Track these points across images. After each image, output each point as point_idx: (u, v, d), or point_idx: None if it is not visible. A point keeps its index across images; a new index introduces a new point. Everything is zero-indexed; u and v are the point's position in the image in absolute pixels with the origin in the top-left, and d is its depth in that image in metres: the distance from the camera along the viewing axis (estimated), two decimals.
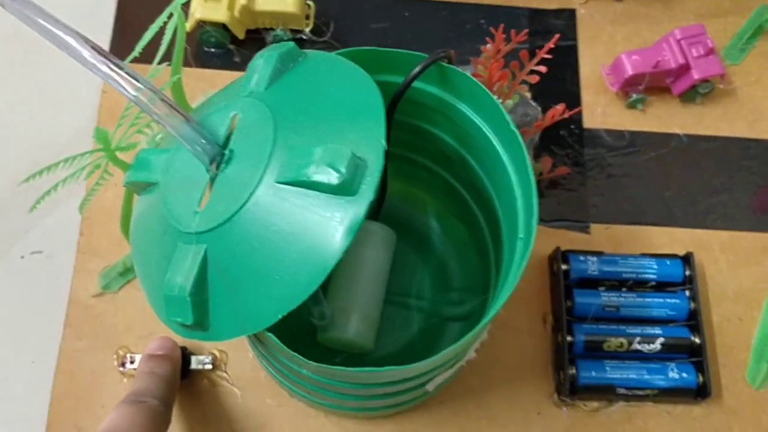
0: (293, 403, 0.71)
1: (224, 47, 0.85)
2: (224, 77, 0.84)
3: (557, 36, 0.69)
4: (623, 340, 0.71)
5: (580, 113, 0.85)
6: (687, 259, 0.75)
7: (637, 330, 0.72)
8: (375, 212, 0.71)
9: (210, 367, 0.71)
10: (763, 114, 0.87)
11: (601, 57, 0.88)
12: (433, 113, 0.61)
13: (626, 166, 0.83)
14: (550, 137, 0.83)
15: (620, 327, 0.72)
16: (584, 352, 0.71)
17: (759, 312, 0.77)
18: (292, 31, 0.86)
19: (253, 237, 0.44)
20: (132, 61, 0.57)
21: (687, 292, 0.74)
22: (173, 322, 0.46)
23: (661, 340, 0.72)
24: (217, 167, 0.46)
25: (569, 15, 0.91)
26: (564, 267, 0.74)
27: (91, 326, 0.73)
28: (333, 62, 0.52)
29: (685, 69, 0.83)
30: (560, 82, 0.87)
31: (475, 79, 0.55)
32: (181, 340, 0.70)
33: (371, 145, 0.44)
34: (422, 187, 0.75)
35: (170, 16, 0.59)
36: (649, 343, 0.71)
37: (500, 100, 0.67)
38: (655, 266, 0.74)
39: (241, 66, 0.84)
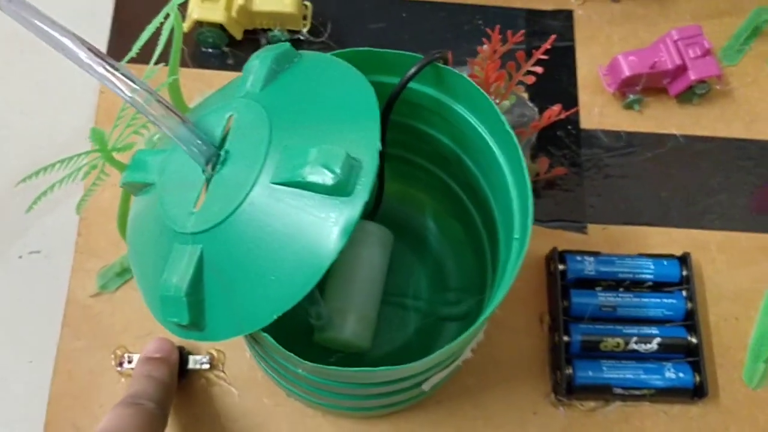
0: (290, 403, 0.71)
1: (222, 47, 0.85)
2: (222, 77, 0.84)
3: (553, 37, 0.70)
4: (620, 340, 0.71)
5: (577, 114, 0.85)
6: (684, 260, 0.75)
7: (634, 330, 0.72)
8: (372, 213, 0.71)
9: (207, 366, 0.71)
10: (759, 115, 0.87)
11: (599, 58, 0.88)
12: (429, 114, 0.61)
13: (623, 167, 0.83)
14: (547, 138, 0.83)
15: (617, 327, 0.72)
16: (581, 352, 0.72)
17: (756, 312, 0.77)
18: (290, 31, 0.86)
19: (248, 237, 0.44)
20: (129, 62, 0.57)
21: (684, 292, 0.74)
22: (169, 323, 0.47)
23: (657, 340, 0.72)
24: (213, 168, 0.46)
25: (566, 16, 0.91)
26: (561, 267, 0.74)
27: (89, 326, 0.73)
28: (328, 63, 0.52)
29: (682, 70, 0.83)
30: (557, 82, 0.87)
31: (471, 80, 0.55)
32: (178, 340, 0.70)
33: (366, 146, 0.45)
34: (419, 188, 0.75)
35: (167, 16, 0.59)
36: (645, 343, 0.72)
37: (497, 101, 0.68)
38: (652, 266, 0.75)
39: (238, 66, 0.84)
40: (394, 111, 0.58)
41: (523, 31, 0.68)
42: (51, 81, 0.85)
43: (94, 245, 0.76)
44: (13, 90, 0.85)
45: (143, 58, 0.58)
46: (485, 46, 0.66)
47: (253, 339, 0.57)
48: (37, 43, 0.43)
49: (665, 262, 0.75)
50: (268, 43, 0.85)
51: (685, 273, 0.75)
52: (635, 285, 0.75)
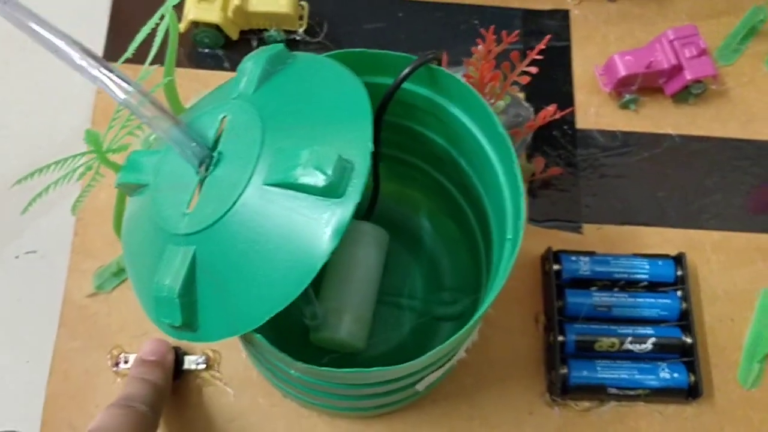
0: (286, 403, 0.71)
1: (218, 48, 0.86)
2: (218, 78, 0.84)
3: (548, 37, 0.70)
4: (615, 340, 0.72)
5: (573, 113, 0.85)
6: (679, 260, 0.76)
7: (629, 330, 0.72)
8: (368, 213, 0.71)
9: (203, 367, 0.71)
10: (755, 115, 0.87)
11: (595, 57, 0.88)
12: (423, 114, 0.61)
13: (619, 167, 0.83)
14: (542, 138, 0.83)
15: (612, 327, 0.72)
16: (576, 352, 0.72)
17: (751, 312, 0.77)
18: (286, 31, 0.86)
19: (241, 239, 0.44)
20: (125, 62, 0.57)
21: (679, 293, 0.74)
22: (163, 323, 0.47)
23: (652, 340, 0.72)
24: (206, 169, 0.47)
25: (563, 16, 0.91)
26: (556, 267, 0.74)
27: (85, 326, 0.73)
28: (322, 64, 0.52)
29: (677, 70, 0.83)
30: (554, 82, 0.87)
31: (464, 80, 0.55)
32: (174, 341, 0.70)
33: (358, 148, 0.45)
34: (415, 188, 0.75)
35: (162, 17, 0.59)
36: (640, 343, 0.72)
37: (492, 101, 0.68)
38: (647, 266, 0.75)
39: (234, 67, 0.84)
40: (389, 111, 0.59)
41: (517, 32, 0.68)
42: (49, 81, 0.85)
43: (91, 245, 0.76)
44: (12, 90, 0.85)
45: (140, 58, 0.59)
46: (480, 47, 0.66)
47: (246, 340, 0.57)
48: (35, 43, 0.43)
49: (660, 262, 0.75)
50: (264, 43, 0.85)
51: (680, 273, 0.75)
52: (630, 285, 0.75)
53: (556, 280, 0.74)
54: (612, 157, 0.84)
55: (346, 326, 0.65)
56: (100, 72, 0.43)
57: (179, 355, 0.71)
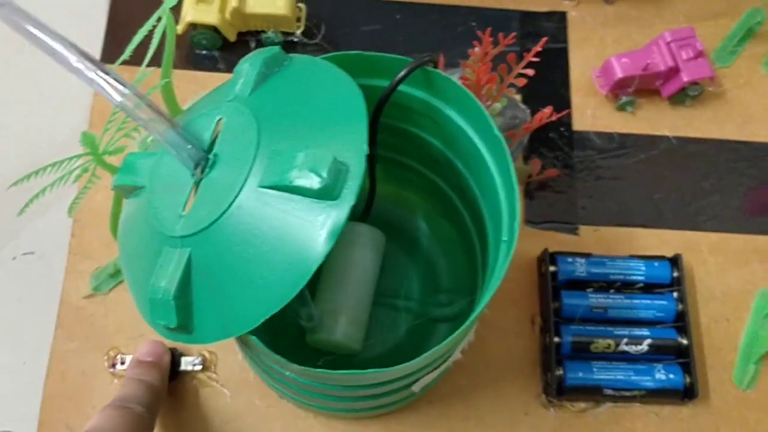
0: (282, 404, 0.71)
1: (215, 50, 0.86)
2: (215, 79, 0.84)
3: (544, 40, 0.70)
4: (611, 341, 0.72)
5: (569, 115, 0.85)
6: (675, 261, 0.76)
7: (625, 331, 0.72)
8: (364, 214, 0.71)
9: (199, 368, 0.71)
10: (752, 116, 0.87)
11: (592, 59, 0.88)
12: (420, 117, 0.62)
13: (615, 168, 0.83)
14: (539, 139, 0.84)
15: (608, 328, 0.72)
16: (572, 353, 0.72)
17: (747, 313, 0.77)
18: (284, 33, 0.86)
19: (236, 241, 0.44)
20: (124, 64, 0.57)
21: (675, 294, 0.75)
22: (158, 325, 0.47)
23: (648, 341, 0.72)
24: (202, 171, 0.47)
25: (560, 17, 0.91)
26: (552, 268, 0.74)
27: (82, 327, 0.73)
28: (318, 67, 0.52)
29: (674, 71, 0.83)
30: (550, 84, 0.87)
31: (460, 83, 0.56)
32: (170, 342, 0.70)
33: (353, 150, 0.45)
34: (412, 190, 0.75)
35: (159, 19, 0.59)
36: (636, 345, 0.72)
37: (488, 103, 0.68)
38: (643, 268, 0.75)
39: (231, 68, 0.84)
40: (386, 114, 0.59)
41: (514, 34, 0.68)
42: (47, 82, 0.85)
43: (88, 247, 0.76)
44: (9, 91, 0.85)
45: (138, 60, 0.59)
46: (477, 49, 0.67)
47: (242, 341, 0.57)
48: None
49: (656, 264, 0.75)
50: (262, 45, 0.85)
51: (676, 274, 0.75)
52: (626, 286, 0.75)
53: (552, 282, 0.74)
54: (609, 159, 0.84)
55: (342, 328, 0.65)
56: (96, 75, 0.43)
57: (176, 356, 0.71)
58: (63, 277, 0.75)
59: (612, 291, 0.75)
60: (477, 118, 0.56)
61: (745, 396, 0.74)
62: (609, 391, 0.70)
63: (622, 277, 0.75)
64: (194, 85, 0.84)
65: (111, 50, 0.85)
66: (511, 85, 0.70)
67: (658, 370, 0.71)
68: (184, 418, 0.71)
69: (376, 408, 0.67)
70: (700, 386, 0.72)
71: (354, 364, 0.68)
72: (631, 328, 0.73)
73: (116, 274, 0.74)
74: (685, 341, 0.72)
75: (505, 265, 0.50)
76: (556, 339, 0.71)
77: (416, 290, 0.74)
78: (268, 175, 0.44)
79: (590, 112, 0.86)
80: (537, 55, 0.67)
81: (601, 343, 0.72)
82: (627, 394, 0.71)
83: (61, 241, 0.76)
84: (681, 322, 0.74)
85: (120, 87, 0.43)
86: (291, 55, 0.53)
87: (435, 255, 0.75)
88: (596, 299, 0.73)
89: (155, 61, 0.59)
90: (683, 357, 0.72)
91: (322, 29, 0.88)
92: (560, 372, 0.70)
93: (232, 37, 0.85)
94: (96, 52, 0.85)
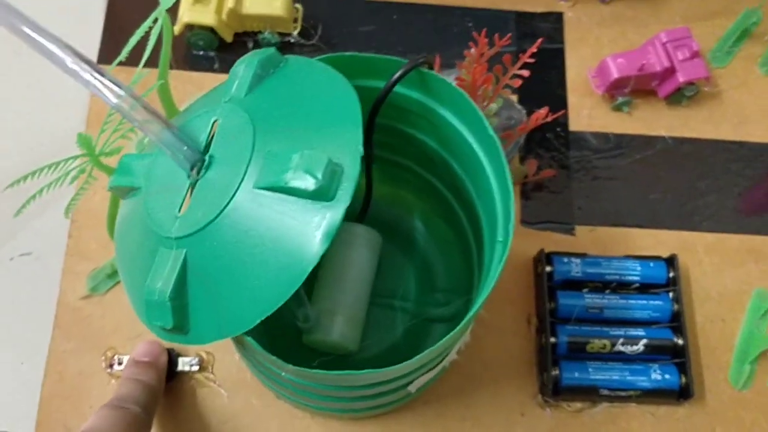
0: (279, 405, 0.71)
1: (212, 50, 0.86)
2: (213, 80, 0.84)
3: (540, 41, 0.70)
4: (606, 341, 0.72)
5: (566, 116, 0.85)
6: (671, 261, 0.76)
7: (621, 331, 0.72)
8: (361, 215, 0.71)
9: (196, 368, 0.71)
10: (748, 117, 0.87)
11: (588, 59, 0.89)
12: (416, 117, 0.62)
13: (612, 169, 0.84)
14: (535, 140, 0.84)
15: (603, 328, 0.73)
16: (568, 354, 0.72)
17: (742, 313, 0.77)
18: (280, 34, 0.86)
19: (231, 242, 0.44)
20: (121, 64, 0.57)
21: (670, 294, 0.75)
22: (154, 326, 0.47)
23: (644, 341, 0.72)
24: (198, 172, 0.47)
25: (556, 18, 0.91)
26: (548, 268, 0.74)
27: (80, 328, 0.74)
28: (313, 68, 0.52)
29: (670, 72, 0.83)
30: (547, 84, 0.87)
31: (456, 84, 0.56)
32: (167, 343, 0.70)
33: (348, 151, 0.45)
34: (408, 190, 0.75)
35: (155, 20, 0.59)
36: (632, 345, 0.72)
37: (484, 104, 0.68)
38: (639, 268, 0.75)
39: (228, 69, 0.84)
40: (382, 114, 0.59)
41: (509, 35, 0.68)
42: (45, 83, 0.85)
43: (85, 248, 0.76)
44: (6, 92, 0.85)
45: (135, 61, 0.59)
46: (472, 50, 0.67)
47: (238, 342, 0.58)
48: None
49: (652, 264, 0.76)
50: (259, 45, 0.85)
51: (671, 275, 0.75)
52: (622, 286, 0.75)
53: (548, 282, 0.74)
54: (605, 159, 0.84)
55: (339, 328, 0.65)
56: (92, 76, 0.43)
57: (173, 356, 0.71)
58: (60, 277, 0.75)
59: (608, 291, 0.75)
60: (472, 119, 0.56)
61: (740, 396, 0.74)
62: (605, 391, 0.71)
63: (617, 277, 0.75)
64: (191, 86, 0.84)
65: (108, 51, 0.86)
66: (507, 85, 0.70)
67: (654, 370, 0.71)
68: (182, 418, 0.71)
69: (373, 408, 0.67)
70: (696, 386, 0.72)
71: (351, 364, 0.68)
72: (627, 329, 0.73)
73: (113, 274, 0.75)
74: (680, 341, 0.72)
75: (500, 265, 0.50)
76: (552, 339, 0.72)
77: (413, 290, 0.74)
78: (263, 177, 0.44)
79: (586, 113, 0.86)
80: (533, 55, 0.68)
81: (596, 344, 0.72)
82: (623, 394, 0.71)
83: (59, 242, 0.77)
84: (677, 322, 0.74)
85: (115, 88, 0.43)
86: (286, 56, 0.53)
87: (431, 255, 0.76)
88: (592, 299, 0.73)
89: (152, 62, 0.59)
90: (679, 357, 0.72)
91: (319, 30, 0.88)
92: (556, 372, 0.70)
93: (228, 37, 0.85)
94: (93, 53, 0.85)
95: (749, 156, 0.86)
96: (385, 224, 0.73)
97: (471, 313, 0.50)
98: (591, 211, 0.81)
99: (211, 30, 0.83)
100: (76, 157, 0.57)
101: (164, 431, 0.71)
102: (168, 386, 0.70)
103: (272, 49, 0.52)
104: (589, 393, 0.71)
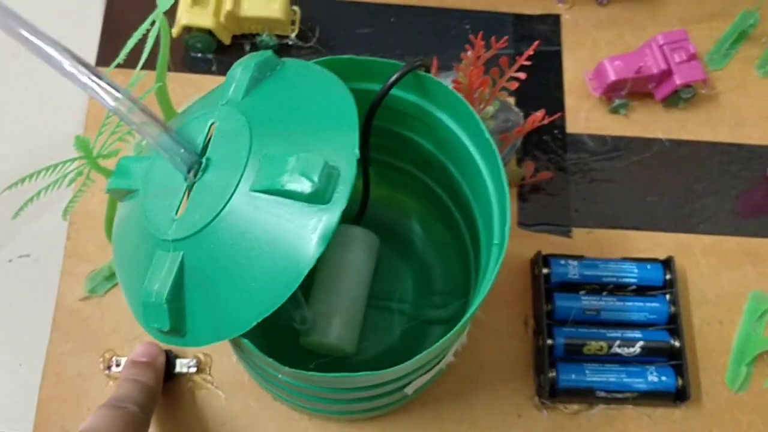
0: (276, 407, 0.71)
1: (210, 53, 0.86)
2: (211, 82, 0.84)
3: (536, 43, 0.70)
4: (603, 343, 0.72)
5: (563, 118, 0.86)
6: (667, 263, 0.76)
7: (617, 333, 0.73)
8: (358, 217, 0.71)
9: (194, 370, 0.71)
10: (745, 119, 0.88)
11: (585, 62, 0.89)
12: (413, 120, 0.62)
13: (609, 171, 0.84)
14: (533, 142, 0.84)
15: (600, 330, 0.73)
16: (564, 356, 0.72)
17: (739, 315, 0.78)
18: (278, 36, 0.86)
19: (228, 244, 0.44)
20: (119, 66, 0.57)
21: (667, 296, 0.75)
22: (151, 328, 0.47)
23: (640, 343, 0.72)
24: (195, 175, 0.47)
25: (554, 20, 0.92)
26: (545, 271, 0.75)
27: (78, 329, 0.74)
28: (310, 71, 0.52)
29: (667, 74, 0.84)
30: (544, 87, 0.88)
31: (452, 86, 0.56)
32: (164, 344, 0.70)
33: (345, 154, 0.45)
34: (406, 192, 0.75)
35: (153, 23, 0.59)
36: (628, 347, 0.72)
37: (481, 107, 0.68)
38: (636, 270, 0.75)
39: (226, 71, 0.84)
40: (379, 117, 0.59)
41: (506, 37, 0.68)
42: (44, 85, 0.86)
43: (83, 249, 0.76)
44: (5, 94, 0.86)
45: (133, 63, 0.59)
46: (469, 53, 0.67)
47: (235, 344, 0.58)
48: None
49: (649, 266, 0.76)
50: (257, 48, 0.86)
51: (668, 277, 0.75)
52: (619, 289, 0.76)
53: (545, 284, 0.74)
54: (602, 162, 0.84)
55: (336, 330, 0.65)
56: (90, 79, 0.43)
57: (171, 358, 0.71)
58: (59, 279, 0.75)
59: (605, 293, 0.75)
60: (468, 122, 0.56)
61: (737, 398, 0.74)
62: (601, 393, 0.71)
63: (614, 279, 0.75)
64: (190, 88, 0.84)
65: (106, 53, 0.86)
66: (504, 88, 0.70)
67: (651, 372, 0.71)
68: (179, 419, 0.71)
69: (370, 410, 0.67)
70: (693, 388, 0.72)
71: (348, 366, 0.69)
72: (624, 331, 0.73)
73: (111, 276, 0.75)
74: (677, 343, 0.73)
75: (496, 268, 0.51)
76: (549, 341, 0.72)
77: (410, 293, 0.74)
78: (259, 179, 0.44)
79: (583, 115, 0.86)
80: (530, 58, 0.68)
81: (593, 346, 0.72)
82: (619, 396, 0.71)
83: (57, 244, 0.77)
84: (673, 324, 0.74)
85: (113, 91, 0.44)
86: (283, 59, 0.53)
87: (429, 257, 0.76)
88: (589, 301, 0.74)
89: (150, 65, 0.59)
90: (675, 359, 0.73)
91: (317, 32, 0.88)
92: (553, 374, 0.71)
93: (226, 40, 0.85)
94: (92, 55, 0.85)
95: (746, 158, 0.86)
96: (383, 227, 0.73)
97: (467, 316, 0.50)
98: (588, 214, 0.81)
99: (209, 32, 0.83)
100: (73, 160, 0.57)
101: None
102: (165, 388, 0.71)
103: (269, 52, 0.52)
104: (586, 395, 0.71)
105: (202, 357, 0.72)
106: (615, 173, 0.84)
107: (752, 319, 0.77)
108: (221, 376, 0.72)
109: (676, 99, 0.86)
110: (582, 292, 0.75)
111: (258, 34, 0.86)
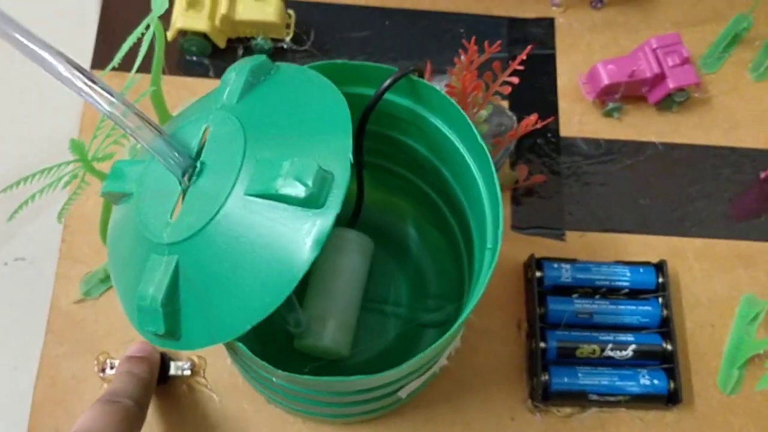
0: (271, 409, 0.71)
1: (205, 56, 0.86)
2: (206, 85, 0.85)
3: (529, 47, 0.70)
4: (596, 346, 0.72)
5: (556, 121, 0.86)
6: (660, 267, 0.76)
7: (610, 337, 0.73)
8: (352, 220, 0.71)
9: (189, 372, 0.72)
10: (738, 122, 0.88)
11: (579, 65, 0.89)
12: (406, 125, 0.62)
13: (602, 174, 0.84)
14: (526, 145, 0.84)
15: (593, 334, 0.73)
16: (557, 359, 0.72)
17: (731, 319, 0.78)
18: (273, 40, 0.86)
19: (222, 248, 0.45)
20: (114, 70, 0.57)
21: (660, 300, 0.75)
22: (146, 332, 0.47)
23: (633, 347, 0.73)
24: (189, 179, 0.47)
25: (548, 24, 0.92)
26: (538, 274, 0.75)
27: (72, 332, 0.74)
28: (304, 75, 0.53)
29: (660, 78, 0.84)
30: (538, 90, 0.88)
31: (446, 91, 0.56)
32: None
33: (338, 159, 0.45)
34: (400, 196, 0.76)
35: (148, 26, 0.59)
36: (621, 350, 0.72)
37: (474, 111, 0.68)
38: (628, 274, 0.75)
39: (221, 75, 0.85)
40: (373, 121, 0.59)
41: (499, 42, 0.68)
42: (39, 89, 0.86)
43: (78, 252, 0.76)
44: (3, 97, 0.86)
45: (129, 66, 0.59)
46: (462, 57, 0.67)
47: (230, 347, 0.58)
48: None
49: (641, 270, 0.76)
50: (252, 51, 0.86)
51: (661, 280, 0.76)
52: (611, 292, 0.76)
53: (538, 287, 0.74)
54: (595, 165, 0.84)
55: (330, 333, 0.65)
56: (84, 84, 0.43)
57: (165, 360, 0.71)
58: (53, 282, 0.75)
59: (597, 297, 0.76)
60: (461, 127, 0.57)
61: (729, 401, 0.75)
62: (594, 397, 0.71)
63: (607, 282, 0.75)
64: (185, 91, 0.84)
65: (102, 56, 0.86)
66: (497, 92, 0.70)
67: (643, 376, 0.72)
68: (173, 422, 0.71)
69: (364, 413, 0.67)
70: (685, 391, 0.73)
71: (342, 369, 0.69)
72: (616, 334, 0.73)
73: (106, 279, 0.75)
74: (669, 347, 0.73)
75: (489, 272, 0.51)
76: (542, 344, 0.72)
77: (405, 296, 0.75)
78: (254, 184, 0.44)
79: (577, 118, 0.87)
80: (523, 62, 0.68)
81: (586, 349, 0.72)
82: (612, 399, 0.71)
83: (52, 247, 0.77)
84: (666, 327, 0.74)
85: (108, 96, 0.44)
86: (278, 63, 0.54)
87: (423, 261, 0.76)
88: (582, 305, 0.74)
89: (145, 68, 0.59)
90: (668, 362, 0.73)
91: (312, 36, 0.89)
92: (546, 377, 0.71)
93: (221, 43, 0.85)
94: (87, 59, 0.85)
95: (739, 161, 0.86)
96: (378, 230, 0.73)
97: (461, 319, 0.50)
98: (581, 217, 0.82)
99: (204, 36, 0.83)
100: (68, 163, 0.58)
101: None
102: (160, 390, 0.71)
103: (263, 57, 0.53)
104: (579, 398, 0.72)
105: (196, 360, 0.72)
106: (608, 177, 0.84)
107: (744, 322, 0.77)
108: (216, 378, 0.73)
109: (669, 102, 0.86)
110: (575, 296, 0.75)
111: (253, 38, 0.86)
